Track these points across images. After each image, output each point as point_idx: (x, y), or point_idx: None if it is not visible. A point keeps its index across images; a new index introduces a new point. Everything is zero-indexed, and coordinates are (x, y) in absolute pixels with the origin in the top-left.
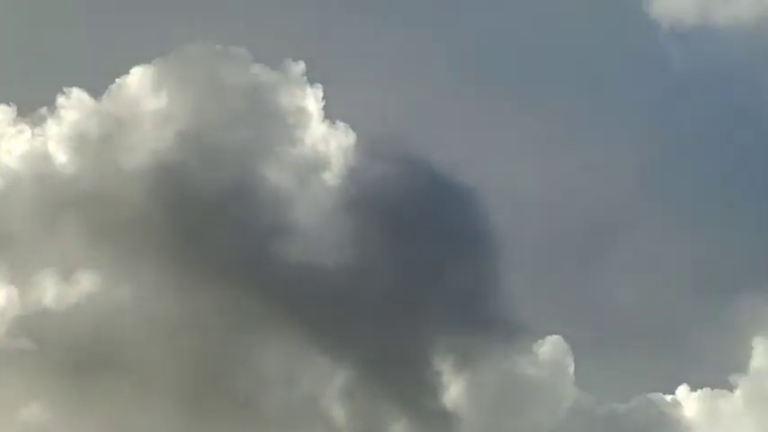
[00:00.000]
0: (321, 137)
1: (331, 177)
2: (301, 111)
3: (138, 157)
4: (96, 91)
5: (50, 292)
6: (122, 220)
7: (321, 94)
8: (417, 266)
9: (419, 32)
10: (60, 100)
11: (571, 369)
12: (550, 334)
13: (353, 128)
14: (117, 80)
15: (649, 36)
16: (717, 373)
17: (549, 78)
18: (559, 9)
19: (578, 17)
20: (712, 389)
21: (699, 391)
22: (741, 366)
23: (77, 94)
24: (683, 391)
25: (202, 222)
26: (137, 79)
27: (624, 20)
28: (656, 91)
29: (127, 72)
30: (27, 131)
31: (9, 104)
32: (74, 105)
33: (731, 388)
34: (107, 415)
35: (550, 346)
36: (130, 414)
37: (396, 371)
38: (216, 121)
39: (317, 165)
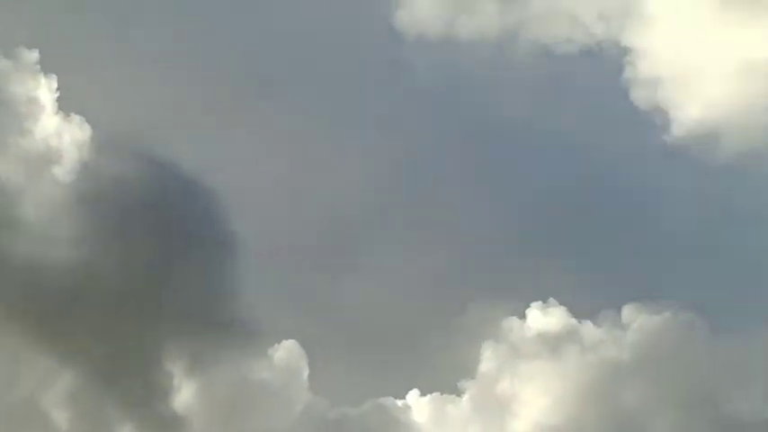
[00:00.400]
0: (54, 129)
1: (62, 172)
2: (33, 101)
3: None
4: None
5: None
6: None
7: (55, 85)
8: (152, 267)
9: (165, 29)
10: None
11: (305, 374)
12: (286, 338)
13: (89, 122)
14: None
15: (394, 46)
16: (446, 378)
17: (295, 83)
18: (306, 16)
19: (324, 23)
20: (441, 393)
21: (428, 395)
22: (470, 372)
23: None
24: (413, 395)
25: None
26: None
27: (369, 29)
28: (401, 100)
29: None
30: None
31: None
32: None
33: (459, 393)
34: None
35: (285, 351)
36: None
37: (124, 373)
38: None
39: (47, 158)
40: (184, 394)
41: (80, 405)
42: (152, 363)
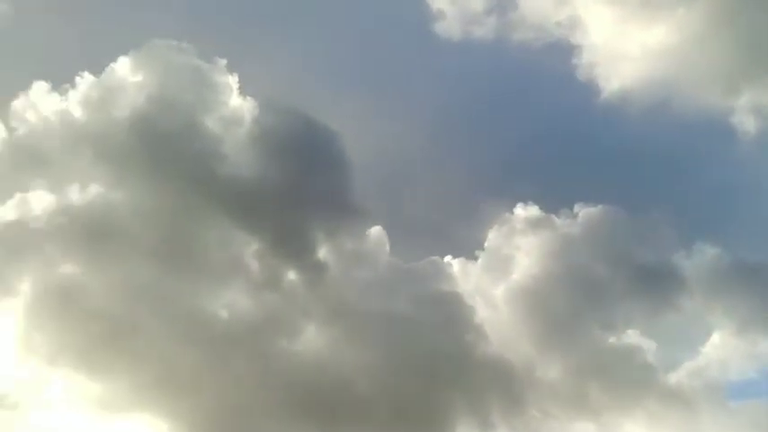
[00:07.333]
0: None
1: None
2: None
3: None
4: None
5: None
6: None
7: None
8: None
9: None
10: None
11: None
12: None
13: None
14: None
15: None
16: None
17: None
18: None
19: None
20: (465, 258)
21: (457, 259)
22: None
23: None
24: (448, 258)
25: None
26: None
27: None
28: None
29: None
30: None
31: None
32: None
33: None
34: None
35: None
36: (133, 275)
37: (287, 239)
38: None
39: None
40: (323, 251)
41: (264, 260)
42: (303, 233)
